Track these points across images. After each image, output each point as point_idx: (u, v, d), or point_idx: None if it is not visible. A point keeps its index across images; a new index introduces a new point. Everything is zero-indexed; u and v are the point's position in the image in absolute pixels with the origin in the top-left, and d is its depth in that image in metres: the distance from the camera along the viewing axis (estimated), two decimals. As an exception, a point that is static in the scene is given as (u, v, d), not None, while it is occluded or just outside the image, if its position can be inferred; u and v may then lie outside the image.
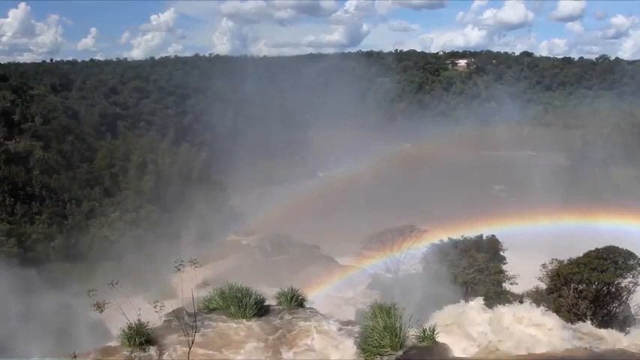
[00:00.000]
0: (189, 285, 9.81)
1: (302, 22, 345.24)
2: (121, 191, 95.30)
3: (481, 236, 46.36)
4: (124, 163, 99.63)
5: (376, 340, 9.22)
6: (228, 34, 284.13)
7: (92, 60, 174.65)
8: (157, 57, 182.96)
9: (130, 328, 9.27)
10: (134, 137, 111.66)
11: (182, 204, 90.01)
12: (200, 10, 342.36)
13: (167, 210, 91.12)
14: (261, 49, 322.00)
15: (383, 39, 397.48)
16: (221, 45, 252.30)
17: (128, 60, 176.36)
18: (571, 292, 30.24)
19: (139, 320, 9.30)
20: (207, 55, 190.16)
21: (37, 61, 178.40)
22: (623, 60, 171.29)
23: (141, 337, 9.28)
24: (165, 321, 10.17)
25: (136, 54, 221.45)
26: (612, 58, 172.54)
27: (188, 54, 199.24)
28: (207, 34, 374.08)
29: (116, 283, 9.37)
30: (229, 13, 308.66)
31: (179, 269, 9.52)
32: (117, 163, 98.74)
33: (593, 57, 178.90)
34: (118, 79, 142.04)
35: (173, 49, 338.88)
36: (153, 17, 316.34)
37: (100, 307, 8.93)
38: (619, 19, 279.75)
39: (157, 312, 9.39)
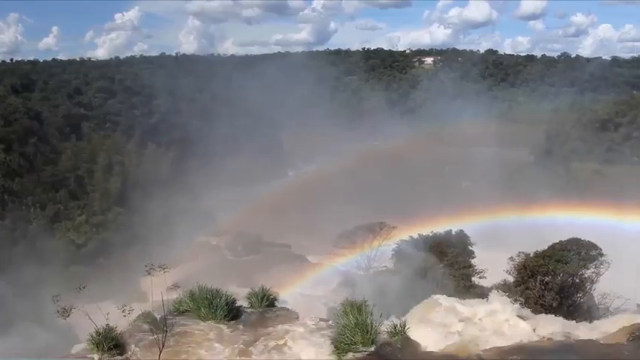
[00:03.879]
0: (160, 288, 9.69)
1: (269, 21, 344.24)
2: (87, 194, 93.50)
3: (450, 231, 47.08)
4: (90, 165, 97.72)
5: (348, 337, 9.27)
6: (194, 33, 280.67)
7: (54, 60, 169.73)
8: (122, 56, 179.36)
9: (97, 333, 9.10)
10: (100, 138, 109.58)
11: (150, 205, 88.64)
12: (166, 9, 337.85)
13: (135, 212, 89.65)
14: (228, 48, 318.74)
15: (350, 37, 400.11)
16: (188, 44, 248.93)
17: (92, 59, 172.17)
18: (537, 284, 31.02)
19: (107, 325, 9.14)
20: (173, 54, 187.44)
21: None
22: (583, 57, 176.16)
23: (109, 342, 9.12)
24: (134, 325, 10.02)
25: (101, 53, 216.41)
26: (573, 55, 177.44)
27: (154, 53, 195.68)
28: (173, 33, 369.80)
29: (83, 288, 9.20)
30: (195, 12, 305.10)
31: (149, 273, 9.39)
32: (82, 165, 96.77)
33: (555, 54, 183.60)
34: (82, 79, 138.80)
35: (139, 49, 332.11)
36: (117, 16, 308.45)
37: (65, 312, 8.73)
38: (579, 18, 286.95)
39: (125, 316, 9.24)
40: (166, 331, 9.05)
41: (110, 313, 9.31)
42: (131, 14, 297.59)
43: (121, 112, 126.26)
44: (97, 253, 77.46)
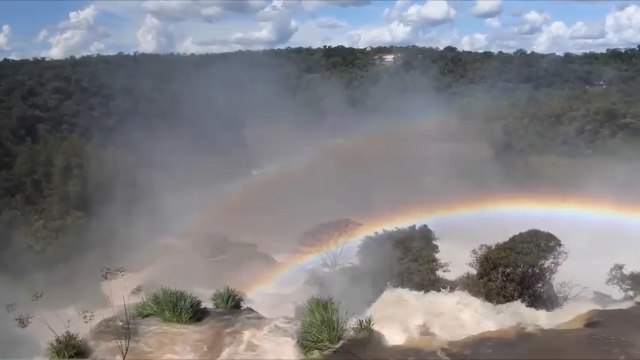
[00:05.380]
0: (123, 292, 9.53)
1: (229, 19, 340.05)
2: (44, 198, 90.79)
3: (414, 227, 47.67)
4: (47, 169, 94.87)
5: (314, 334, 9.30)
6: (153, 32, 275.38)
7: (6, 60, 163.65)
8: (77, 56, 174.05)
9: (58, 341, 8.87)
10: (56, 141, 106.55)
11: (111, 208, 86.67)
12: (122, 8, 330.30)
13: (96, 215, 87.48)
14: (188, 46, 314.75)
15: (311, 35, 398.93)
16: (146, 43, 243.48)
17: (47, 60, 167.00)
18: (499, 275, 31.66)
19: (67, 332, 8.92)
20: (131, 53, 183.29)
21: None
22: (537, 54, 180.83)
23: (70, 349, 8.91)
24: (96, 331, 9.81)
25: (55, 53, 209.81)
26: (528, 52, 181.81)
27: (111, 53, 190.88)
28: (130, 32, 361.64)
29: (40, 296, 8.95)
30: (153, 11, 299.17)
31: (106, 277, 9.21)
32: (39, 169, 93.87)
33: (511, 51, 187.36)
34: (36, 79, 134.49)
35: (95, 48, 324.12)
36: (72, 14, 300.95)
37: (23, 321, 8.49)
38: (533, 16, 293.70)
39: (86, 322, 9.04)
40: (129, 336, 8.90)
41: (72, 319, 9.10)
42: (86, 13, 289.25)
43: (78, 114, 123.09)
44: (56, 258, 75.27)
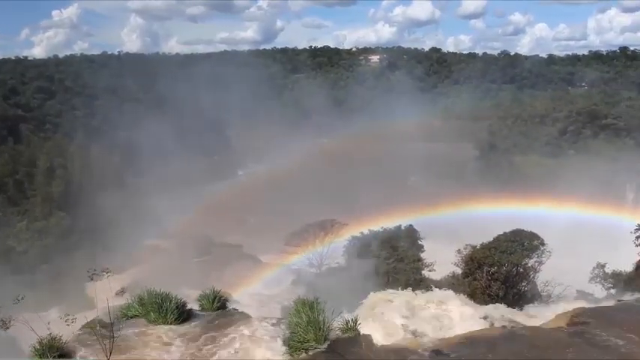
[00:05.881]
0: (107, 294, 9.44)
1: (214, 19, 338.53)
2: (27, 199, 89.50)
3: (400, 227, 47.78)
4: (30, 169, 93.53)
5: (301, 335, 9.29)
6: (137, 31, 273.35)
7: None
8: (61, 55, 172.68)
9: (41, 343, 8.77)
10: (39, 141, 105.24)
11: (96, 209, 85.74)
12: (106, 7, 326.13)
13: (80, 216, 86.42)
14: (173, 46, 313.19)
15: (297, 35, 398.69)
16: (130, 42, 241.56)
17: (29, 58, 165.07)
18: (484, 274, 31.89)
19: (50, 334, 8.82)
20: (116, 53, 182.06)
21: None
22: (521, 55, 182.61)
23: (54, 351, 8.81)
24: (80, 333, 9.71)
25: (38, 52, 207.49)
26: (512, 53, 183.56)
27: (95, 52, 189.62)
28: (115, 31, 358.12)
29: (22, 299, 8.84)
30: (137, 10, 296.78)
31: (92, 279, 9.12)
32: (21, 169, 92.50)
33: (495, 52, 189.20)
34: (18, 79, 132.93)
35: (79, 47, 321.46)
36: (55, 13, 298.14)
37: (5, 324, 8.37)
38: (517, 17, 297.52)
39: (68, 325, 8.94)
40: (113, 338, 8.82)
41: (55, 321, 9.00)
42: (70, 11, 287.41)
43: (61, 113, 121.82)
44: (39, 260, 74.30)
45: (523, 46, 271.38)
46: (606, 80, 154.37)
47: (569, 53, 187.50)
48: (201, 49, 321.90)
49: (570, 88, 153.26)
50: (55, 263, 71.14)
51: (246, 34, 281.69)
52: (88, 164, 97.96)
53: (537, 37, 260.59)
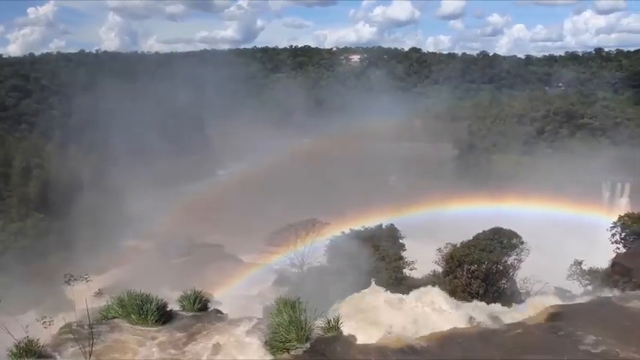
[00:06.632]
0: (86, 295, 9.32)
1: (194, 18, 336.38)
2: (3, 199, 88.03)
3: (381, 226, 47.98)
4: (6, 169, 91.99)
5: (282, 335, 9.27)
6: (116, 30, 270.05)
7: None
8: (37, 53, 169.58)
9: (17, 347, 8.61)
10: (15, 140, 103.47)
11: (74, 210, 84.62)
12: (84, 4, 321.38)
13: (57, 217, 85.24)
14: (152, 45, 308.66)
15: (278, 35, 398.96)
16: (109, 41, 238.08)
17: (4, 56, 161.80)
18: (464, 273, 32.23)
19: (27, 337, 8.67)
20: (94, 51, 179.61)
21: None
22: (500, 56, 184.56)
23: (31, 355, 8.66)
24: (59, 335, 9.56)
25: (13, 50, 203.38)
26: (491, 54, 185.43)
27: (73, 50, 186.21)
28: (93, 30, 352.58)
29: (-1, 301, 8.68)
30: (116, 8, 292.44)
31: (68, 283, 8.99)
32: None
33: (474, 53, 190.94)
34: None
35: (55, 45, 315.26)
36: (31, 10, 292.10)
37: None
38: (495, 18, 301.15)
39: (45, 328, 8.81)
40: (93, 340, 8.71)
41: (32, 324, 8.86)
42: (46, 9, 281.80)
43: (37, 112, 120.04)
44: (16, 262, 73.06)
45: (501, 47, 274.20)
46: (582, 81, 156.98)
47: (546, 54, 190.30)
48: (180, 48, 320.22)
49: (547, 89, 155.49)
50: (33, 265, 70.11)
51: (226, 34, 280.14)
52: (66, 164, 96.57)
53: (515, 37, 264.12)
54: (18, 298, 51.94)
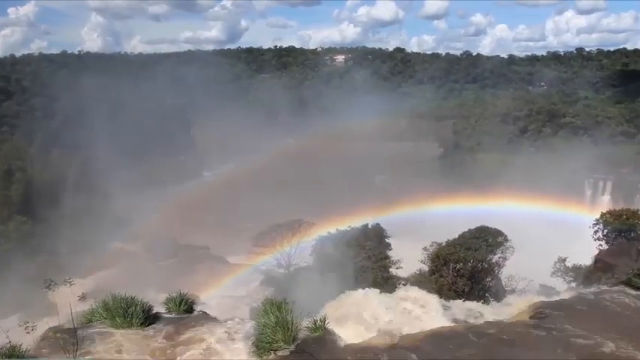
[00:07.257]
0: (71, 299, 9.23)
1: (178, 18, 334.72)
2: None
3: (367, 225, 48.07)
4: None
5: (269, 336, 9.27)
6: (98, 30, 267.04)
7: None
8: (18, 54, 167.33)
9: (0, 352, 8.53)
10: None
11: (57, 213, 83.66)
12: (65, 4, 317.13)
13: (41, 220, 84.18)
14: (135, 45, 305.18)
15: (262, 35, 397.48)
16: (91, 41, 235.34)
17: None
18: (450, 271, 32.42)
19: (9, 343, 8.57)
20: (76, 52, 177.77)
21: None
22: (483, 55, 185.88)
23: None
24: (42, 340, 9.46)
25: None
26: (474, 53, 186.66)
27: (55, 51, 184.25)
28: (75, 30, 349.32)
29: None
30: (98, 8, 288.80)
31: (49, 288, 8.91)
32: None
33: (458, 53, 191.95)
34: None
35: (37, 46, 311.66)
36: (11, 10, 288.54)
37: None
38: (478, 18, 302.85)
39: (28, 333, 8.71)
40: (77, 344, 8.63)
41: (16, 329, 8.76)
42: (27, 9, 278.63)
43: (19, 114, 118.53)
44: (-2, 265, 72.09)
45: (484, 47, 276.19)
46: (564, 80, 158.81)
47: (529, 54, 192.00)
48: (164, 48, 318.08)
49: (530, 88, 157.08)
50: (16, 269, 69.09)
51: (210, 34, 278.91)
52: (49, 166, 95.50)
53: (498, 37, 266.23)
54: (1, 303, 51.27)
